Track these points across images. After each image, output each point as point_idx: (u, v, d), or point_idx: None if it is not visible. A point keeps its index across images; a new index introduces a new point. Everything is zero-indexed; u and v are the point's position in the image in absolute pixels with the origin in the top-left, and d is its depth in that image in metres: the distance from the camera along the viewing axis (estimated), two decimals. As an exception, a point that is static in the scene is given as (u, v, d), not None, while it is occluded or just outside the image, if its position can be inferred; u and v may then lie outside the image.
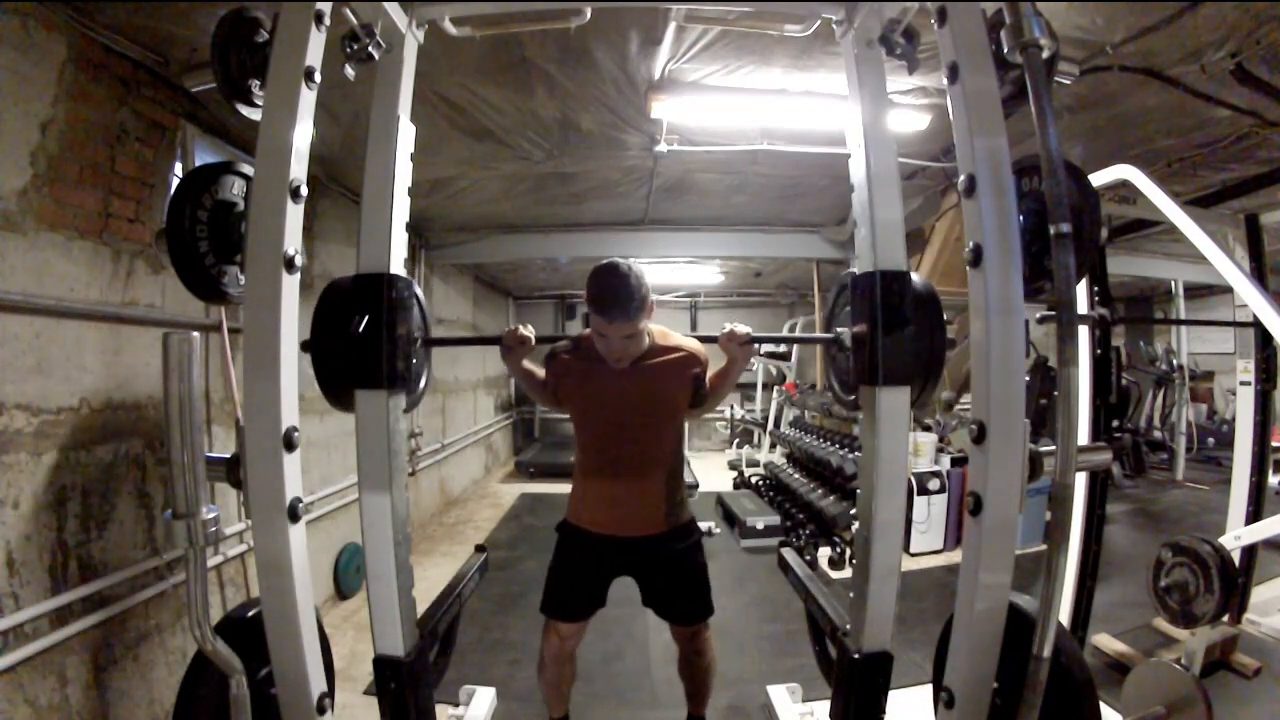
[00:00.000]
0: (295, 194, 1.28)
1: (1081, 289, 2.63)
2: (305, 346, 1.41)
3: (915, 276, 1.61)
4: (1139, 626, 3.11)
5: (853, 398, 1.73)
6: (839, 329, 1.78)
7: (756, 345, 1.90)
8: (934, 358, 1.59)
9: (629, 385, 1.88)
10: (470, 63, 2.51)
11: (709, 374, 2.00)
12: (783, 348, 7.95)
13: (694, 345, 1.98)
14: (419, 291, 1.81)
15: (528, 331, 1.87)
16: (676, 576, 2.00)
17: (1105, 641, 2.93)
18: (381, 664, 1.64)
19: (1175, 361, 7.07)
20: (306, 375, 1.44)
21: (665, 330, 2.00)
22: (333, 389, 1.65)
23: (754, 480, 6.72)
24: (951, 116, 1.29)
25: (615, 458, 1.93)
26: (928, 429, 5.13)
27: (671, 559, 1.98)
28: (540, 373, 2.02)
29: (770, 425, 7.51)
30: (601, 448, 1.96)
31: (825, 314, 2.01)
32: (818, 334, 2.02)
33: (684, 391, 1.95)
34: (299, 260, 1.29)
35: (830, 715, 1.78)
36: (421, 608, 1.82)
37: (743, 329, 1.85)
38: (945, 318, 1.63)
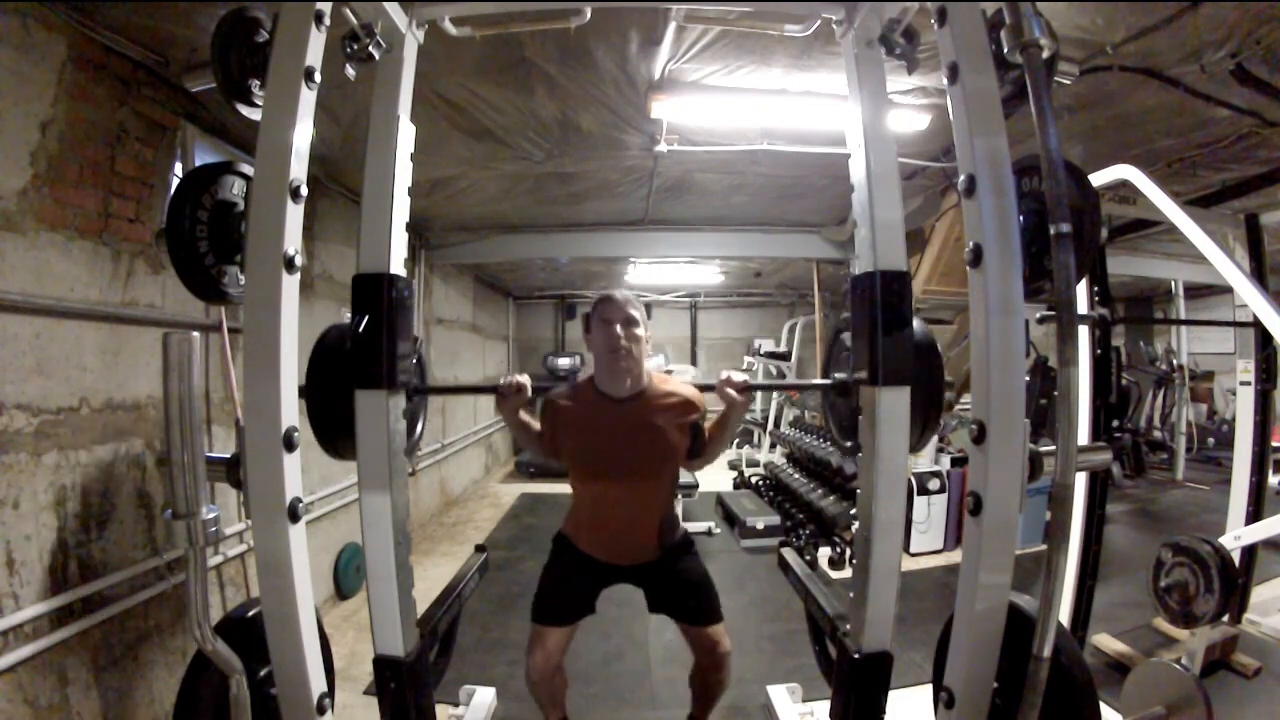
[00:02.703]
0: (295, 194, 1.28)
1: (1081, 289, 2.63)
2: (302, 393, 1.39)
3: (917, 323, 1.61)
4: (1139, 626, 3.11)
5: (850, 443, 1.73)
6: (837, 374, 1.80)
7: (753, 393, 1.93)
8: (932, 407, 1.61)
9: (626, 427, 1.89)
10: (470, 63, 2.51)
11: (707, 423, 2.00)
12: (783, 348, 7.96)
13: (691, 392, 1.98)
14: (422, 350, 1.84)
15: (524, 380, 1.86)
16: (677, 582, 2.02)
17: (1105, 641, 2.93)
18: (381, 664, 1.64)
19: (1175, 361, 7.07)
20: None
21: (664, 375, 2.02)
22: (330, 439, 1.66)
23: (754, 480, 6.71)
24: (951, 116, 1.29)
25: (611, 499, 1.96)
26: (928, 429, 5.13)
27: (669, 572, 2.02)
28: (536, 425, 2.00)
29: (770, 425, 7.51)
30: (598, 491, 1.99)
31: (823, 359, 2.01)
32: (816, 380, 2.01)
33: (681, 436, 1.94)
34: (299, 260, 1.29)
35: (830, 715, 1.78)
36: (421, 608, 1.82)
37: (739, 376, 1.85)
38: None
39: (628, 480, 1.93)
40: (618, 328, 1.84)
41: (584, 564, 2.02)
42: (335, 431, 1.65)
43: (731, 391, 1.83)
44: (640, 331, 1.87)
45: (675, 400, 1.93)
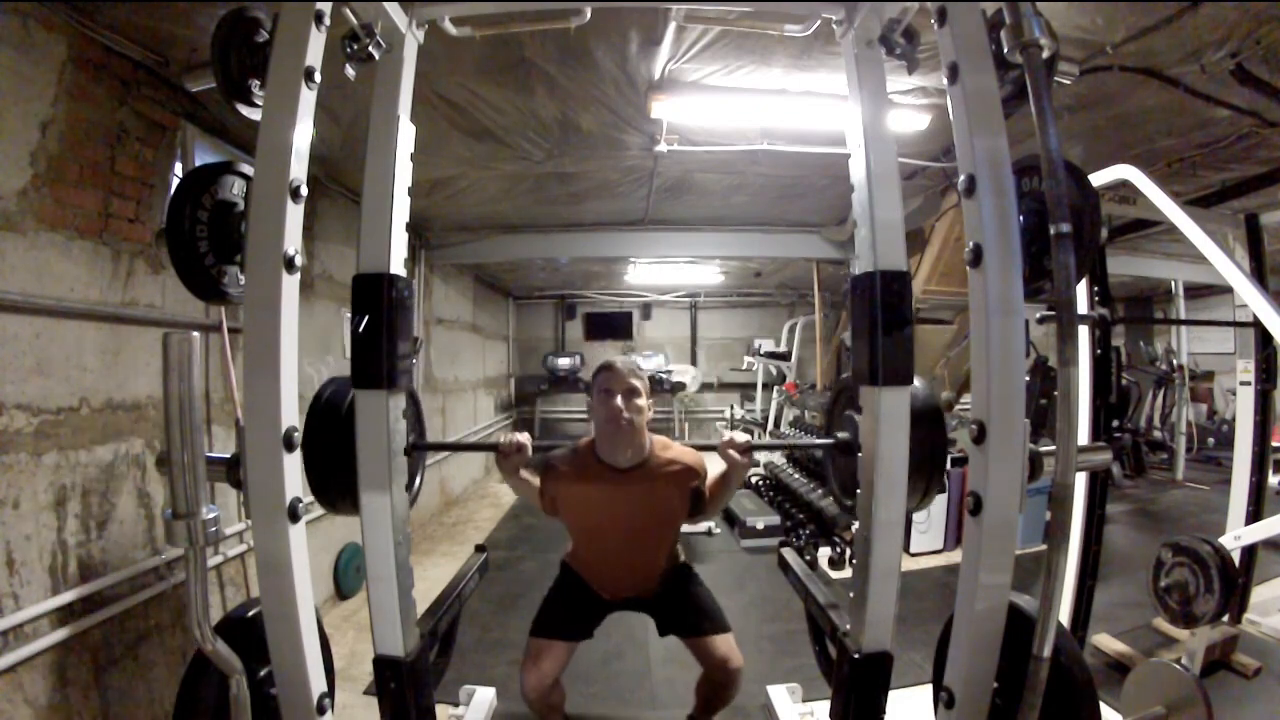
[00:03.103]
0: (295, 194, 1.28)
1: (1081, 289, 2.63)
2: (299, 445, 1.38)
3: (918, 383, 1.61)
4: (1139, 626, 3.11)
5: (851, 503, 1.74)
6: (840, 434, 1.81)
7: (754, 453, 1.90)
8: (935, 467, 1.62)
9: (628, 497, 1.89)
10: (470, 63, 2.51)
11: (708, 480, 1.99)
12: (783, 348, 7.96)
13: (692, 457, 1.97)
14: (419, 402, 1.83)
15: (524, 439, 1.83)
16: (680, 601, 2.05)
17: (1105, 641, 2.93)
18: (381, 664, 1.63)
19: (1175, 361, 7.07)
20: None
21: (666, 440, 2.00)
22: (328, 495, 1.64)
23: (754, 480, 6.71)
24: (951, 116, 1.28)
25: (613, 562, 2.01)
26: (928, 429, 5.12)
27: (671, 596, 2.05)
28: (536, 481, 1.98)
29: (770, 425, 7.51)
30: (600, 554, 2.02)
31: (824, 418, 2.01)
32: (819, 440, 2.01)
33: (683, 503, 1.95)
34: (299, 260, 1.29)
35: (830, 715, 1.77)
36: (421, 608, 1.81)
37: (741, 437, 1.83)
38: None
39: (627, 546, 1.97)
40: (619, 400, 1.81)
41: (589, 594, 2.06)
42: (334, 491, 1.64)
43: (733, 453, 1.81)
44: (642, 402, 1.85)
45: (677, 468, 1.93)
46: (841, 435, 1.80)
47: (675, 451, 1.96)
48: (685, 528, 2.17)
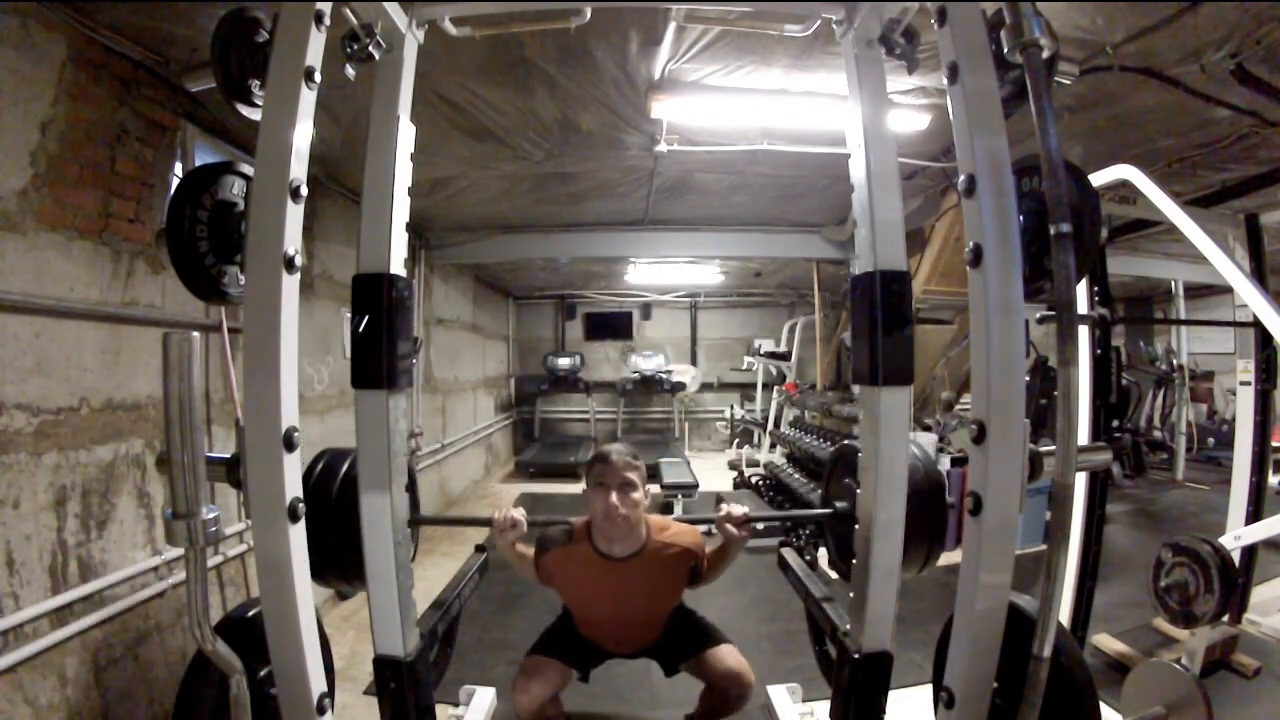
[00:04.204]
0: (295, 194, 1.28)
1: (1081, 289, 2.63)
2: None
3: (916, 450, 1.63)
4: (1139, 626, 3.11)
5: (847, 568, 1.74)
6: (838, 504, 1.82)
7: (753, 524, 1.89)
8: (937, 528, 1.66)
9: (626, 586, 1.88)
10: (470, 63, 2.51)
11: (707, 554, 1.98)
12: (783, 348, 7.96)
13: (690, 538, 1.95)
14: (415, 479, 1.82)
15: (519, 515, 1.82)
16: (679, 636, 2.06)
17: (1105, 641, 2.93)
18: (381, 664, 1.64)
19: (1175, 361, 7.07)
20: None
21: (663, 521, 1.97)
22: (324, 577, 1.64)
23: (754, 480, 6.71)
24: (951, 116, 1.28)
25: (612, 636, 2.02)
26: (928, 429, 5.13)
27: (670, 638, 2.06)
28: (530, 554, 1.95)
29: (770, 425, 7.51)
30: (596, 625, 2.02)
31: (823, 485, 2.01)
32: (816, 511, 2.02)
33: (681, 582, 1.95)
34: (299, 260, 1.29)
35: (830, 715, 1.77)
36: (421, 608, 1.82)
37: (739, 510, 1.82)
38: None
39: (626, 625, 1.99)
40: (614, 496, 1.78)
41: (588, 640, 2.06)
42: (332, 570, 1.65)
43: (731, 528, 1.80)
44: (638, 495, 1.81)
45: (675, 551, 1.91)
46: (840, 505, 1.81)
47: (673, 532, 1.93)
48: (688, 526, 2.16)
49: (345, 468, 1.69)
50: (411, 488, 1.76)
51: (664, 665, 2.10)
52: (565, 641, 2.04)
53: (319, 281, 3.77)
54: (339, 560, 1.62)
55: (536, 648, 2.01)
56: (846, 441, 1.76)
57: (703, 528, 2.02)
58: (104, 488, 2.18)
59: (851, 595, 1.68)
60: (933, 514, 1.65)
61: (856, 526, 1.66)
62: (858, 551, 1.66)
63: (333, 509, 1.63)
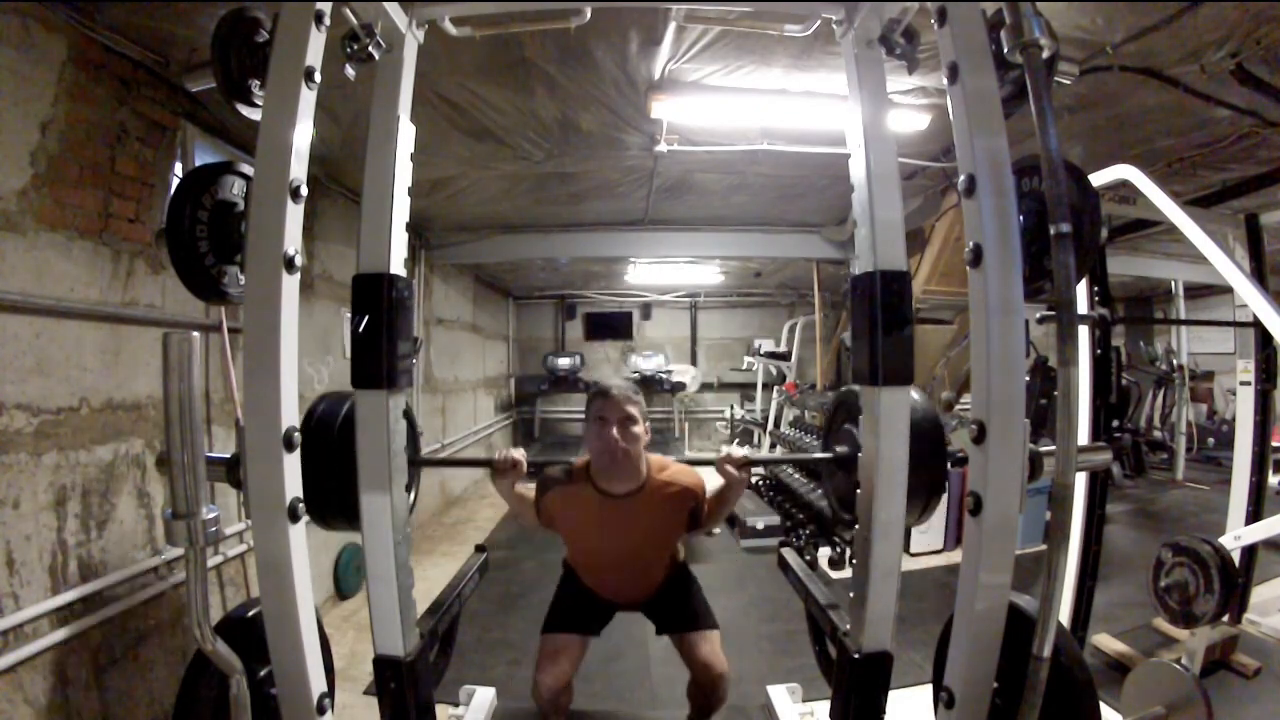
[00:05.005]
0: (295, 194, 1.28)
1: (1081, 289, 2.63)
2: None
3: (916, 395, 1.62)
4: (1139, 626, 3.11)
5: (850, 516, 1.74)
6: (839, 448, 1.80)
7: (752, 468, 1.89)
8: (937, 478, 1.63)
9: (626, 523, 1.88)
10: (470, 63, 2.51)
11: (707, 498, 1.98)
12: (783, 348, 7.96)
13: (690, 478, 1.95)
14: (414, 420, 1.83)
15: (519, 455, 1.83)
16: (676, 600, 2.07)
17: (1105, 641, 2.93)
18: (381, 664, 1.64)
19: (1175, 361, 7.07)
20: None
21: (663, 460, 1.97)
22: (320, 513, 1.64)
23: (754, 480, 6.71)
24: (951, 116, 1.28)
25: (611, 578, 2.03)
26: (928, 429, 5.12)
27: (669, 599, 2.07)
28: (530, 496, 1.97)
29: (770, 425, 7.51)
30: (597, 572, 2.03)
31: (823, 431, 2.01)
32: (817, 454, 2.01)
33: (680, 523, 1.95)
34: (299, 260, 1.29)
35: (830, 715, 1.77)
36: (421, 608, 1.82)
37: (739, 453, 1.82)
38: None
39: (626, 566, 1.98)
40: (614, 430, 1.79)
41: (591, 592, 2.07)
42: (327, 509, 1.65)
43: (731, 469, 1.80)
44: (638, 429, 1.82)
45: (675, 490, 1.91)
46: (840, 449, 1.80)
47: (672, 472, 1.94)
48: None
49: (345, 409, 1.66)
50: (411, 430, 1.77)
51: (657, 623, 2.10)
52: (573, 606, 2.05)
53: (319, 281, 3.77)
54: (342, 501, 1.60)
55: (550, 625, 2.01)
56: (845, 388, 1.76)
57: (703, 470, 2.02)
58: (104, 488, 2.18)
59: (851, 595, 1.68)
60: (932, 454, 1.61)
61: (858, 491, 1.65)
62: (857, 552, 1.66)
63: (335, 448, 1.60)
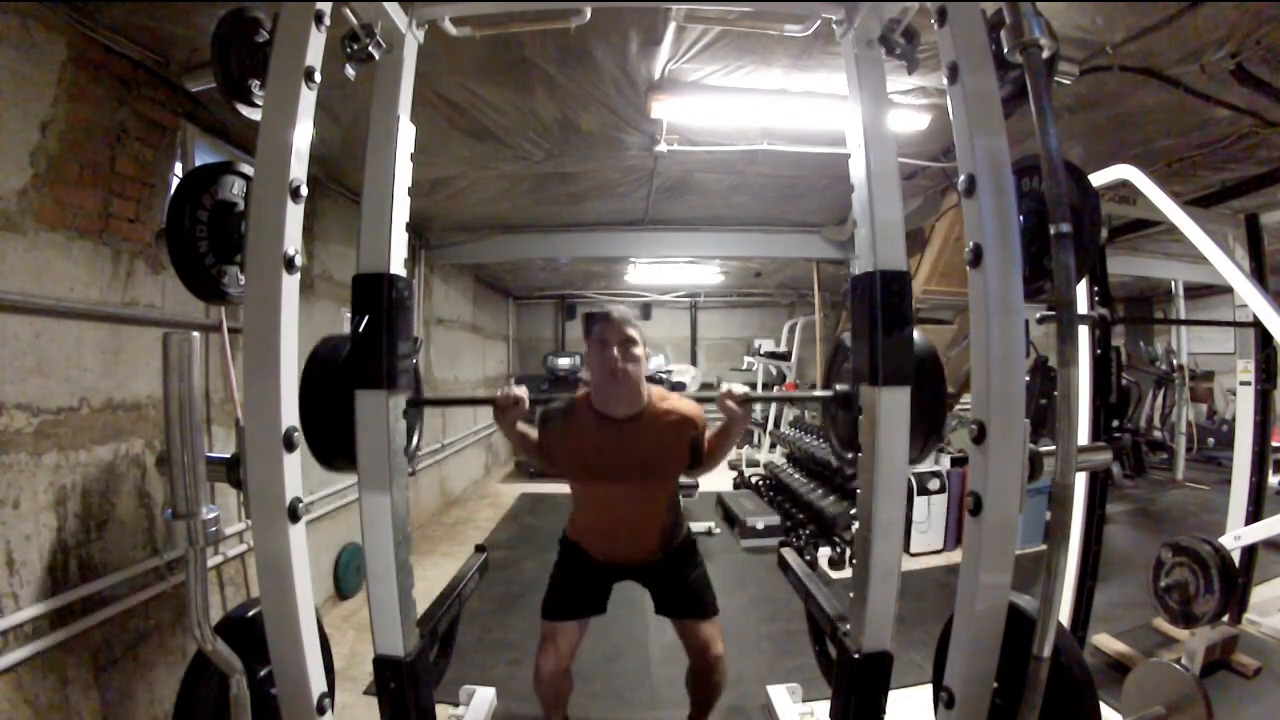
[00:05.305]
0: (295, 194, 1.28)
1: (1081, 289, 2.63)
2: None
3: (918, 335, 1.62)
4: (1139, 626, 3.11)
5: (852, 455, 1.74)
6: (839, 385, 1.79)
7: (754, 404, 1.90)
8: (935, 416, 1.63)
9: (626, 448, 1.88)
10: (470, 63, 2.51)
11: (707, 435, 1.99)
12: (783, 348, 7.95)
13: (691, 408, 1.96)
14: (419, 359, 1.84)
15: (521, 392, 1.83)
16: (678, 583, 2.05)
17: (1105, 641, 2.93)
18: (381, 664, 1.64)
19: (1175, 361, 7.07)
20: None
21: (663, 392, 1.99)
22: (325, 455, 1.66)
23: (754, 480, 6.71)
24: (951, 116, 1.29)
25: (612, 514, 1.98)
26: (928, 429, 5.12)
27: (671, 573, 2.04)
28: (533, 434, 1.98)
29: (770, 425, 7.50)
30: (597, 505, 2.01)
31: (824, 369, 2.01)
32: (817, 392, 2.01)
33: (681, 454, 1.95)
34: (299, 260, 1.29)
35: (830, 715, 1.77)
36: (421, 608, 1.82)
37: (740, 389, 1.83)
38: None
39: (627, 496, 1.94)
40: (615, 350, 1.81)
41: (591, 564, 2.04)
42: (330, 447, 1.65)
43: (732, 404, 1.81)
44: (639, 351, 1.85)
45: (674, 418, 1.92)
46: (840, 387, 1.78)
47: (673, 402, 1.96)
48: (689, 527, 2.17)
49: (347, 349, 1.66)
50: (415, 375, 1.78)
51: (656, 600, 2.08)
52: (572, 588, 2.03)
53: (319, 281, 3.77)
54: (345, 441, 1.60)
55: (549, 611, 2.01)
56: (844, 329, 1.76)
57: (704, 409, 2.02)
58: (104, 488, 2.18)
59: (851, 595, 1.68)
60: (933, 390, 1.61)
61: (857, 524, 1.66)
62: (857, 552, 1.67)
63: (337, 385, 1.60)
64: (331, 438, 1.63)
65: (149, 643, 2.31)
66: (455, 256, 5.79)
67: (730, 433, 1.93)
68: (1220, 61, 2.33)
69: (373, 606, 1.64)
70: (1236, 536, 2.50)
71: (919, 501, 4.45)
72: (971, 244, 1.24)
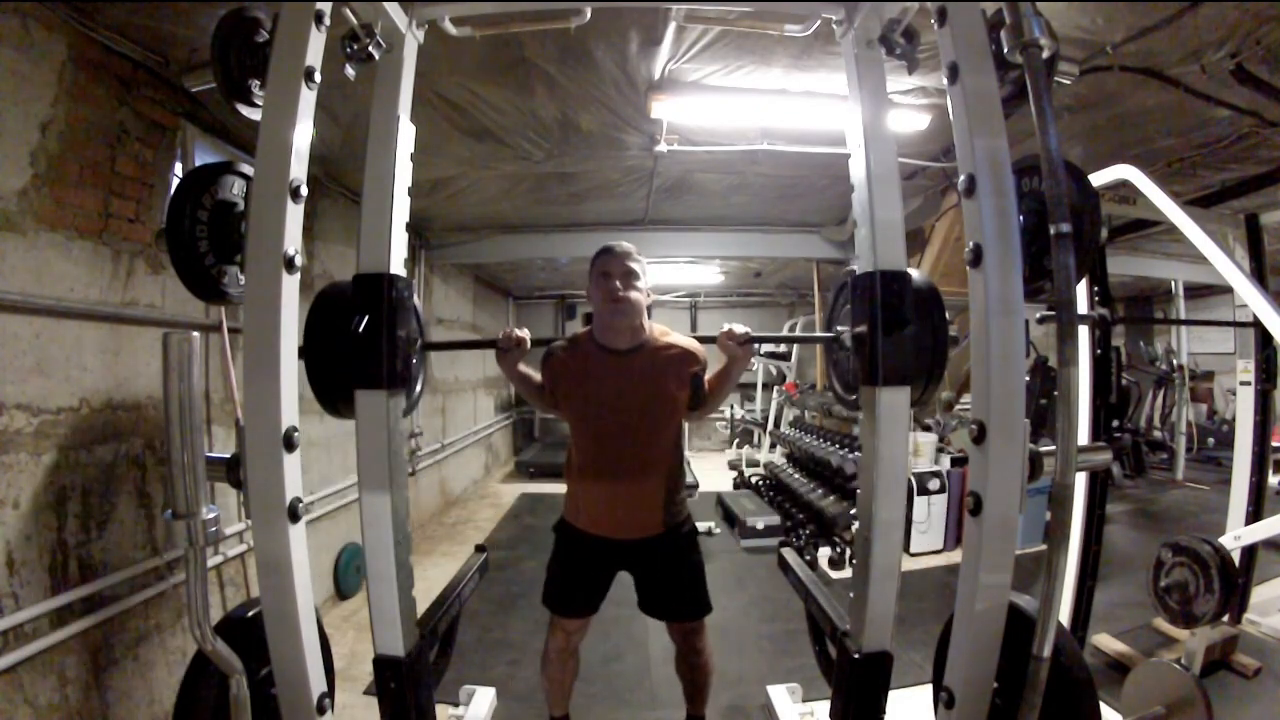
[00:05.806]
0: (295, 194, 1.28)
1: (1081, 289, 2.63)
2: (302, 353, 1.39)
3: (915, 273, 1.61)
4: (1139, 626, 3.11)
5: (854, 397, 1.73)
6: (839, 328, 1.78)
7: (756, 345, 1.90)
8: (937, 356, 1.59)
9: (626, 379, 1.88)
10: (470, 63, 2.51)
11: (708, 375, 1.99)
12: (783, 348, 7.95)
13: (692, 344, 1.97)
14: (417, 301, 1.82)
15: (523, 333, 1.86)
16: (674, 576, 2.01)
17: (1105, 641, 2.93)
18: (381, 664, 1.64)
19: (1175, 361, 7.07)
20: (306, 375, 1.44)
21: (665, 329, 2.00)
22: (328, 396, 1.65)
23: (754, 480, 6.71)
24: (951, 116, 1.29)
25: (613, 456, 1.91)
26: (928, 429, 5.13)
27: (669, 560, 2.00)
28: (536, 376, 2.00)
29: (770, 425, 7.51)
30: (599, 447, 1.93)
31: (826, 313, 2.00)
32: (818, 333, 2.01)
33: (682, 389, 1.92)
34: (299, 260, 1.29)
35: (830, 715, 1.78)
36: (421, 608, 1.82)
37: (741, 328, 1.84)
38: (946, 317, 1.63)
39: (628, 434, 1.88)
40: (616, 281, 1.83)
41: (588, 547, 1.98)
42: (337, 396, 1.64)
43: (733, 345, 1.82)
44: (640, 284, 1.87)
45: (675, 352, 1.92)
46: (841, 329, 1.76)
47: (674, 338, 1.97)
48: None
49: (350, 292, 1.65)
50: (417, 317, 1.78)
51: (642, 594, 2.05)
52: (571, 578, 2.02)
53: (319, 281, 3.76)
54: (349, 390, 1.60)
55: (552, 606, 2.03)
56: (847, 269, 1.75)
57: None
58: (104, 488, 2.18)
59: (851, 595, 1.68)
60: (934, 326, 1.57)
61: (857, 524, 1.66)
62: (857, 552, 1.67)
63: (340, 333, 1.59)
64: (339, 389, 1.62)
65: (149, 643, 2.31)
66: (455, 256, 5.79)
67: (730, 374, 1.94)
68: (1220, 61, 2.33)
69: (373, 606, 1.64)
70: (1236, 536, 2.50)
71: (919, 501, 4.45)
72: (971, 244, 1.24)
